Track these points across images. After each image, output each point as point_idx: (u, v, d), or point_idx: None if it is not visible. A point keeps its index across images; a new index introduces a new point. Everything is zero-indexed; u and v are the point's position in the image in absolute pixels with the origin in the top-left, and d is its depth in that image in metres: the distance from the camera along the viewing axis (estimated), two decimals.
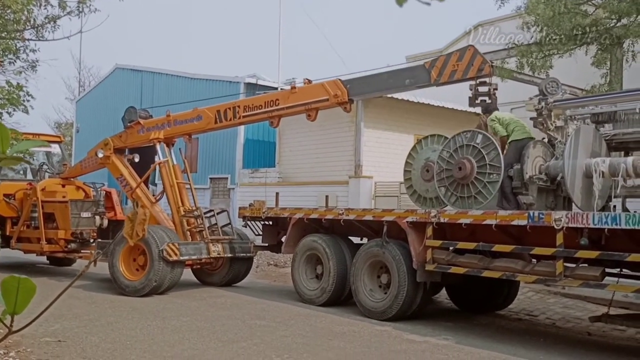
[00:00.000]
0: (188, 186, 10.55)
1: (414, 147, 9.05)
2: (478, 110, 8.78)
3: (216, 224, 10.16)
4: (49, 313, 7.14)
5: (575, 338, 7.73)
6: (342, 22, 74.92)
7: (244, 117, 9.73)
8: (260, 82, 20.38)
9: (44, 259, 13.08)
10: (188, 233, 10.04)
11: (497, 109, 8.13)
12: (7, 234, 11.72)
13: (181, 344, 6.36)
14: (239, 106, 9.81)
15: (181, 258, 9.19)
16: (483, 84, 7.56)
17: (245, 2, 77.26)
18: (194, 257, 9.52)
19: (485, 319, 8.67)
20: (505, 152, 7.83)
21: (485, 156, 7.50)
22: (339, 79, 8.87)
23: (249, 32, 74.52)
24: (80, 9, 7.51)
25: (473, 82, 7.61)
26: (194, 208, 10.19)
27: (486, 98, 7.61)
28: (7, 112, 8.84)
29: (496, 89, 7.63)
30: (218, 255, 9.88)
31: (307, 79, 9.26)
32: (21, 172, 13.12)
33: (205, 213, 10.15)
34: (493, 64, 7.64)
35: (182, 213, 10.08)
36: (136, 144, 11.18)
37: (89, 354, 5.90)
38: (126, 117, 10.97)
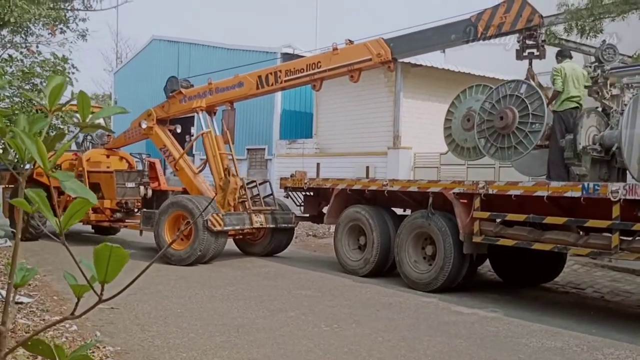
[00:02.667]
0: (230, 157, 10.58)
1: (458, 95, 8.81)
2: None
3: (258, 194, 10.20)
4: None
5: (625, 312, 7.57)
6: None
7: (285, 81, 9.65)
8: (296, 52, 20.20)
9: (89, 228, 13.38)
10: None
11: (571, 57, 7.92)
12: (54, 203, 11.97)
13: (230, 312, 6.44)
14: (280, 70, 9.74)
15: (224, 228, 9.28)
16: (531, 36, 7.34)
17: None
18: (237, 228, 9.60)
19: (531, 291, 8.55)
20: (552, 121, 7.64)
21: (529, 105, 7.31)
22: (382, 38, 8.70)
23: (285, 1, 73.76)
24: None
25: (521, 35, 7.41)
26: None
27: (534, 50, 7.40)
28: None
29: (545, 41, 7.40)
30: (260, 226, 9.95)
31: (348, 40, 9.10)
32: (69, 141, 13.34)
33: (247, 184, 10.18)
34: (542, 16, 7.38)
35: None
36: (178, 114, 11.24)
37: (141, 321, 6.02)
38: (168, 87, 11.02)
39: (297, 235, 13.84)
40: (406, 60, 15.34)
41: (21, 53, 7.28)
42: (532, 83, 7.46)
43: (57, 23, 7.76)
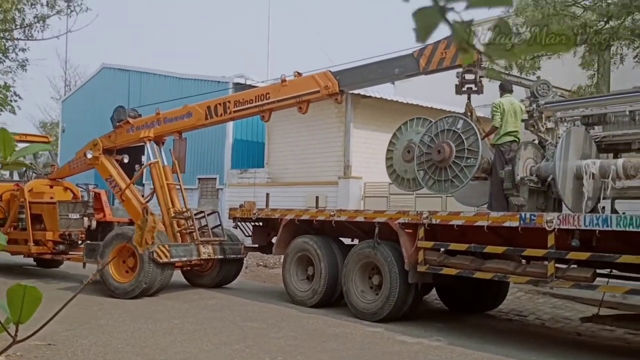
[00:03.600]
0: (178, 187, 10.48)
1: (399, 127, 9.04)
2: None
3: (206, 225, 10.11)
4: (38, 316, 7.00)
5: (565, 338, 7.79)
6: (333, 21, 75.00)
7: (234, 112, 9.68)
8: (248, 82, 20.30)
9: (31, 260, 12.94)
10: (178, 234, 9.98)
11: (511, 91, 8.22)
12: None
13: (173, 346, 6.32)
14: (229, 101, 9.78)
15: (171, 260, 9.14)
16: (469, 72, 7.62)
17: (234, 1, 76.94)
18: (184, 259, 9.47)
19: (475, 319, 8.71)
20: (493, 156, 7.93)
21: (465, 141, 7.55)
22: (329, 71, 8.87)
23: (237, 32, 74.28)
24: (71, 8, 7.43)
25: (460, 70, 7.68)
26: (184, 209, 10.13)
27: (472, 86, 7.68)
28: None
29: (482, 77, 7.69)
30: (208, 257, 9.84)
31: (297, 72, 9.24)
32: (7, 173, 12.96)
33: (195, 214, 10.09)
34: (481, 52, 7.68)
35: (173, 214, 10.01)
36: (125, 144, 11.09)
37: (79, 358, 5.84)
38: (115, 117, 10.88)
39: (247, 265, 13.73)
40: (356, 91, 15.65)
41: None
42: (468, 119, 7.72)
43: None
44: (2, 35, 7.12)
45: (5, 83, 8.10)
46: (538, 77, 7.88)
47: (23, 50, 8.02)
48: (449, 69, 7.87)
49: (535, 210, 7.32)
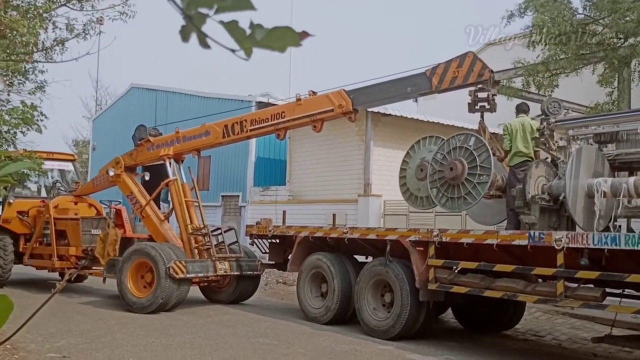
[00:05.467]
0: (197, 204, 10.67)
1: (412, 146, 9.10)
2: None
3: (223, 241, 10.26)
4: (55, 329, 7.27)
5: (580, 359, 7.67)
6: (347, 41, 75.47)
7: (251, 130, 9.87)
8: (272, 101, 20.58)
9: (56, 275, 13.26)
10: (196, 251, 10.14)
11: (527, 111, 8.21)
12: (21, 250, 11.94)
13: None
14: (245, 120, 9.97)
15: (188, 275, 9.29)
16: (482, 90, 7.65)
17: (258, 20, 77.90)
18: (200, 275, 9.61)
19: (490, 339, 8.63)
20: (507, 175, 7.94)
21: (477, 158, 7.55)
22: (343, 90, 9.00)
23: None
24: (86, 32, 7.73)
25: (473, 88, 7.71)
26: (201, 226, 10.30)
27: (485, 104, 7.69)
28: (20, 131, 9.06)
29: (495, 95, 7.70)
30: (225, 273, 9.97)
31: (311, 91, 9.39)
32: (35, 190, 13.37)
33: (212, 231, 10.26)
34: (493, 71, 7.72)
35: (190, 231, 10.19)
36: (146, 162, 11.37)
37: None
38: (136, 135, 11.19)
39: (266, 282, 13.85)
40: (376, 109, 15.77)
41: None
42: (480, 136, 7.73)
43: (15, 75, 7.91)
44: (22, 58, 7.44)
45: (32, 103, 8.37)
46: (549, 96, 7.85)
47: (42, 72, 8.32)
48: (462, 87, 7.92)
49: (547, 229, 7.26)
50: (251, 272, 10.43)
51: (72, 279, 12.25)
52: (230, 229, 10.92)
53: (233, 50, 1.00)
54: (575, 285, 6.40)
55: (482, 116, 8.09)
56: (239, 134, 10.00)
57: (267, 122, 9.66)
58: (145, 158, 11.16)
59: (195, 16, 0.97)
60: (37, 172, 10.83)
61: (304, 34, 1.03)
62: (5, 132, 8.46)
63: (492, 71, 7.74)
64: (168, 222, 11.06)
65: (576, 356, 7.83)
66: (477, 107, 7.88)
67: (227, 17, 0.97)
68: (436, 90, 8.10)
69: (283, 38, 1.00)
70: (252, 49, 1.00)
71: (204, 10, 0.96)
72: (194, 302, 10.41)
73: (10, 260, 11.54)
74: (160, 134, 11.34)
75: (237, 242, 10.54)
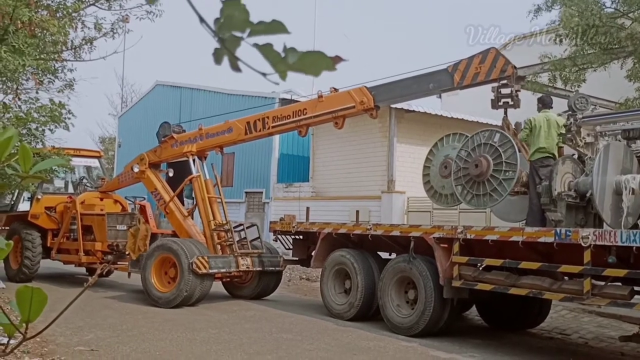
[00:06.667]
0: (219, 200, 10.75)
1: (436, 143, 9.04)
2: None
3: (245, 237, 10.32)
4: (83, 323, 7.39)
5: (606, 358, 7.55)
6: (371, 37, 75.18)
7: (273, 127, 9.90)
8: (295, 98, 20.60)
9: (82, 269, 13.48)
10: (218, 247, 10.22)
11: (550, 105, 8.08)
12: (48, 245, 12.17)
13: (208, 355, 6.49)
14: (268, 117, 10.00)
15: (210, 271, 9.37)
16: (505, 86, 7.56)
17: (280, 16, 78.05)
18: (222, 270, 9.69)
19: (515, 337, 8.55)
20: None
21: (502, 154, 7.47)
22: (365, 86, 8.97)
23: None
24: (114, 31, 7.83)
25: (495, 85, 7.62)
26: (224, 222, 10.37)
27: (509, 100, 7.60)
28: (49, 129, 9.21)
29: (519, 91, 7.60)
30: (247, 269, 10.03)
31: (333, 88, 9.38)
32: (62, 186, 13.59)
33: (235, 227, 10.32)
34: (516, 67, 7.62)
35: (213, 227, 10.27)
36: (170, 158, 11.49)
37: None
38: (160, 132, 11.31)
39: (290, 278, 13.91)
40: (399, 105, 15.66)
41: (10, 100, 7.55)
42: (505, 132, 7.64)
43: (45, 74, 8.05)
44: (51, 57, 7.57)
45: (60, 101, 8.51)
46: (576, 91, 7.72)
47: (71, 70, 8.45)
48: (484, 83, 7.84)
49: (574, 226, 7.15)
50: (273, 268, 10.48)
51: (105, 273, 12.45)
52: (253, 225, 10.98)
53: (264, 74, 1.01)
54: (603, 283, 6.31)
55: (505, 112, 7.99)
56: (261, 130, 10.04)
57: (289, 119, 9.67)
58: (169, 155, 11.27)
59: (228, 39, 0.98)
60: (65, 169, 11.00)
61: (337, 59, 1.03)
62: (34, 129, 8.61)
63: (515, 67, 7.64)
64: (192, 218, 11.17)
65: (603, 355, 7.71)
66: (500, 104, 7.79)
67: (261, 40, 0.98)
68: (458, 86, 8.03)
69: (317, 64, 1.01)
70: (287, 73, 1.01)
71: (237, 34, 0.97)
72: (218, 298, 10.50)
73: (39, 254, 11.76)
74: (184, 131, 11.44)
75: (259, 238, 10.59)
